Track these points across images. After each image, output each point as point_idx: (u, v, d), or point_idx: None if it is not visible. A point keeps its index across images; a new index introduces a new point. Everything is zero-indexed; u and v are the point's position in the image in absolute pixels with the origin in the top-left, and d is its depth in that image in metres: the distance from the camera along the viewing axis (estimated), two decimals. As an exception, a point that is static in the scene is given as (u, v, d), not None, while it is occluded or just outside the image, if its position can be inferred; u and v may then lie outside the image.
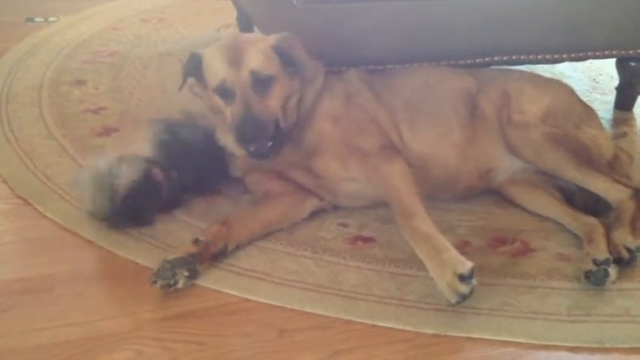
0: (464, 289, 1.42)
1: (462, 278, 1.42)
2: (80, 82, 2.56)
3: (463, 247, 1.69)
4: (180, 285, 1.50)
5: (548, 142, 1.80)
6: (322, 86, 1.82)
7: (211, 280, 1.55)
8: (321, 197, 1.80)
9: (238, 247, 1.65)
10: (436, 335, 1.43)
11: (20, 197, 1.85)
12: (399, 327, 1.44)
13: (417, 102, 1.88)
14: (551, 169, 1.82)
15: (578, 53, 2.27)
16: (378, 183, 1.70)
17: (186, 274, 1.51)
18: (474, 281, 1.43)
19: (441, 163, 1.83)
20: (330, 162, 1.74)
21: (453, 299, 1.43)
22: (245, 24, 3.08)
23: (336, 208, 1.83)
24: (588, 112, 1.97)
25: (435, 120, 1.86)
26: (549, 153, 1.80)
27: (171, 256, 1.52)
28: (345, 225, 1.79)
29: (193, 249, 1.54)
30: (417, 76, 1.96)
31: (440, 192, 1.86)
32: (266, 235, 1.71)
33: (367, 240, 1.73)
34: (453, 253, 1.47)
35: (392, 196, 1.65)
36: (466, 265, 1.43)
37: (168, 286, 1.49)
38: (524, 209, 1.86)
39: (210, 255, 1.58)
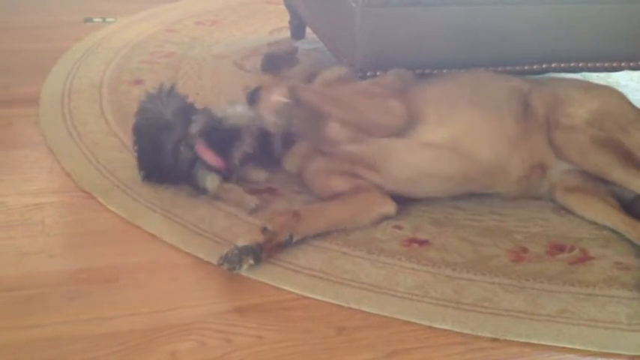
0: None
1: None
2: (138, 82, 2.62)
3: (521, 253, 1.69)
4: (243, 270, 1.56)
5: (595, 145, 1.80)
6: None
7: (270, 277, 1.58)
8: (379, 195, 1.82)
9: (303, 240, 1.68)
10: (494, 339, 1.42)
11: (83, 190, 1.90)
12: (457, 330, 1.45)
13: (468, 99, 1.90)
14: (596, 170, 1.81)
15: (637, 62, 2.24)
16: None
17: (251, 262, 1.56)
18: None
19: (493, 149, 1.83)
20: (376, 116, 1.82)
21: None
22: (297, 27, 3.11)
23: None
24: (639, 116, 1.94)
25: (487, 114, 1.86)
26: (595, 155, 1.80)
27: (240, 244, 1.57)
28: (399, 227, 1.79)
29: (261, 238, 1.59)
30: (465, 80, 1.99)
31: (493, 186, 1.85)
32: (326, 233, 1.73)
33: (422, 242, 1.74)
34: None
35: None
36: None
37: (233, 269, 1.56)
38: (581, 217, 1.84)
39: (275, 244, 1.62)
